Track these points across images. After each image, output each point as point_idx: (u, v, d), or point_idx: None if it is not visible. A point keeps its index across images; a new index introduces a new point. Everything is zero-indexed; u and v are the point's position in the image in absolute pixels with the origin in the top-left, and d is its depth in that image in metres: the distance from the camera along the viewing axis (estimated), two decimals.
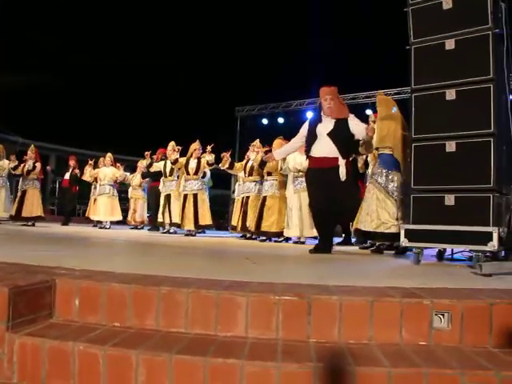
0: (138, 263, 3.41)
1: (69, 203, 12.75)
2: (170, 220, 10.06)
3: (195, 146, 9.62)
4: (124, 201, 13.31)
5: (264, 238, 8.22)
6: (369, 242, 6.32)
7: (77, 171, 12.24)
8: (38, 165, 11.01)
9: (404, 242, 4.12)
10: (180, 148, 10.04)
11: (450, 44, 4.03)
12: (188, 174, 9.53)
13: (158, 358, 1.67)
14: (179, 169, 9.85)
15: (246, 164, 9.01)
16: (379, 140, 5.36)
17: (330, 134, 5.09)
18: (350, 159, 5.33)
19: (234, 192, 12.25)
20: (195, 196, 9.42)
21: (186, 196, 9.48)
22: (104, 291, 2.04)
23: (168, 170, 10.26)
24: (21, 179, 11.17)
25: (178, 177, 10.06)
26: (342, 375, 1.62)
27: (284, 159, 7.50)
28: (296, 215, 7.43)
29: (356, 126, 5.16)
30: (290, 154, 6.99)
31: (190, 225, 9.35)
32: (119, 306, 2.02)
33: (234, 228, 9.56)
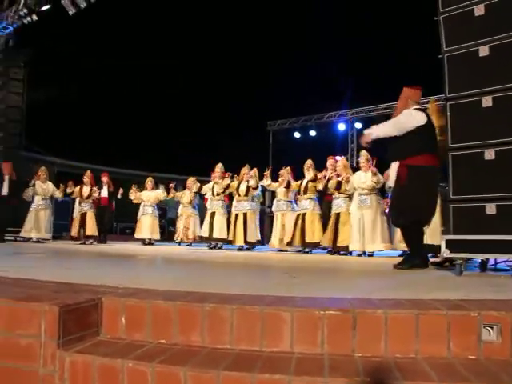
0: (179, 279, 3.44)
1: (108, 221, 13.06)
2: (213, 236, 10.86)
3: (245, 170, 10.54)
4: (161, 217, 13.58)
5: (344, 252, 8.59)
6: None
7: (111, 189, 12.48)
8: (95, 189, 11.85)
9: (445, 252, 4.06)
10: (230, 174, 10.89)
11: (483, 50, 3.98)
12: (239, 195, 10.49)
13: (206, 375, 1.69)
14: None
15: (301, 183, 9.53)
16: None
17: None
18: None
19: (269, 208, 12.45)
20: (245, 215, 10.35)
21: (236, 215, 10.47)
22: (149, 309, 2.07)
23: (216, 190, 11.08)
24: (77, 202, 11.93)
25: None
26: None
27: (347, 180, 8.28)
28: (358, 231, 7.99)
29: None
30: (356, 174, 8.03)
31: (240, 241, 10.29)
32: (165, 323, 2.05)
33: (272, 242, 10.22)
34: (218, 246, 11.09)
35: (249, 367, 1.72)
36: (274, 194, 11.24)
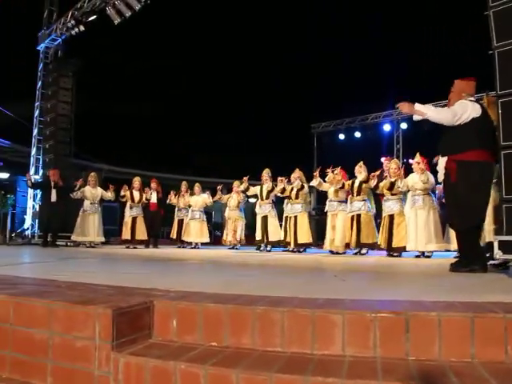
0: (229, 283, 3.46)
1: (158, 227, 13.31)
2: (267, 239, 11.15)
3: (296, 175, 10.67)
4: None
5: (396, 253, 8.65)
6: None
7: (160, 195, 12.73)
8: (149, 191, 12.45)
9: (498, 254, 3.95)
10: (284, 178, 11.04)
11: None
12: (290, 198, 10.75)
13: (258, 377, 1.69)
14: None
15: (353, 183, 9.56)
16: None
17: None
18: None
19: (314, 210, 12.50)
20: (295, 217, 10.59)
21: (289, 218, 10.77)
22: (200, 311, 2.09)
23: (264, 194, 11.30)
24: (128, 206, 12.29)
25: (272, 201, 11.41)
26: None
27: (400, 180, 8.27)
28: (413, 231, 8.12)
29: None
30: (409, 176, 8.14)
31: (292, 243, 10.59)
32: (216, 326, 2.06)
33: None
34: (267, 248, 11.25)
35: (301, 370, 1.71)
36: (319, 196, 11.34)
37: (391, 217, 8.66)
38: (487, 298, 2.33)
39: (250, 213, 13.04)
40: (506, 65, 4.03)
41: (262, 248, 11.33)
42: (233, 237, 12.35)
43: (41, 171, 15.10)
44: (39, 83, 15.69)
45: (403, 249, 8.45)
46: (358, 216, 9.37)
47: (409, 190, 8.36)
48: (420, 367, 1.74)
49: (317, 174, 10.07)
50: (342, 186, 9.66)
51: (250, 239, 12.55)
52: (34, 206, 15.29)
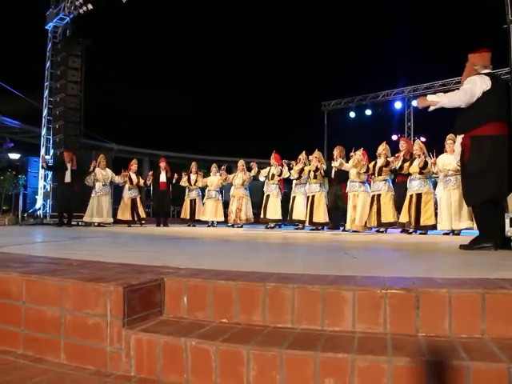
0: (239, 260, 3.47)
1: (167, 205, 13.43)
2: (265, 217, 11.86)
3: (315, 155, 10.95)
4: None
5: (423, 231, 8.93)
6: None
7: (169, 174, 12.82)
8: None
9: (509, 231, 3.93)
10: (286, 161, 11.80)
11: None
12: (309, 178, 11.09)
13: (269, 353, 1.70)
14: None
15: (375, 164, 9.76)
16: None
17: None
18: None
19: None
20: (313, 197, 10.94)
21: (308, 197, 11.09)
22: (211, 288, 2.10)
23: (270, 175, 11.92)
24: (127, 188, 12.59)
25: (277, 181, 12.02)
26: (456, 370, 1.56)
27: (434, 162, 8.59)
28: (446, 211, 8.40)
29: None
30: (440, 156, 8.41)
31: (307, 222, 10.98)
32: (226, 303, 2.07)
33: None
34: (273, 226, 11.83)
35: (311, 346, 1.72)
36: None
37: (419, 196, 8.85)
38: (498, 275, 2.32)
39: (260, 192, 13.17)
40: None
41: (269, 226, 11.87)
42: (237, 215, 12.46)
43: (51, 151, 15.15)
44: (48, 63, 15.66)
45: (431, 227, 8.71)
46: (379, 196, 9.59)
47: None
48: (430, 343, 1.74)
49: (337, 155, 10.34)
50: (367, 170, 9.82)
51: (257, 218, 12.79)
52: (45, 186, 15.39)
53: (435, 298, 1.88)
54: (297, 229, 11.32)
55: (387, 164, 9.42)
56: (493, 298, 1.85)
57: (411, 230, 9.11)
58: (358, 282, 2.08)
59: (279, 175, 11.70)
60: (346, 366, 1.62)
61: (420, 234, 8.85)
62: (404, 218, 9.03)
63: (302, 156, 11.36)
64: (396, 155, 9.38)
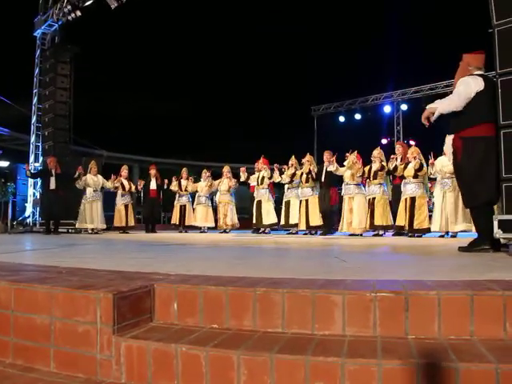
0: (230, 265, 3.46)
1: (158, 212, 13.44)
2: (261, 222, 11.80)
3: (307, 159, 11.11)
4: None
5: (419, 234, 9.04)
6: None
7: (159, 181, 12.83)
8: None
9: (498, 233, 3.95)
10: (277, 165, 11.79)
11: None
12: (301, 182, 11.18)
13: (259, 358, 1.70)
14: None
15: (370, 168, 9.87)
16: None
17: None
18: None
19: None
20: (307, 201, 11.00)
21: (301, 201, 11.15)
22: (201, 294, 2.10)
23: (260, 180, 11.95)
24: (119, 194, 12.63)
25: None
26: (446, 372, 1.57)
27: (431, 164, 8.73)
28: (439, 212, 8.59)
29: None
30: (438, 159, 8.47)
31: (303, 226, 11.05)
32: (216, 308, 2.07)
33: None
34: (266, 231, 11.75)
35: (302, 350, 1.72)
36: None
37: (412, 199, 8.97)
38: (487, 276, 2.34)
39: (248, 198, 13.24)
40: (505, 43, 3.99)
41: (260, 231, 11.82)
42: (223, 221, 12.49)
43: (40, 158, 15.08)
44: (36, 70, 15.61)
45: (425, 230, 8.88)
46: (374, 199, 9.70)
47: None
48: (420, 345, 1.75)
49: (333, 159, 10.37)
50: (362, 174, 9.93)
51: (244, 224, 12.91)
52: (34, 194, 15.31)
53: (424, 300, 1.89)
54: (290, 233, 11.41)
55: (382, 168, 9.54)
56: (481, 299, 1.86)
57: (409, 234, 9.21)
58: (347, 285, 2.09)
59: (269, 178, 11.67)
60: (336, 370, 1.62)
61: (416, 236, 8.93)
62: (400, 221, 9.15)
63: (293, 160, 11.42)
64: (392, 157, 9.53)
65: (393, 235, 9.58)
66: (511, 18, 3.93)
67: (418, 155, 9.00)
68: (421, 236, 8.93)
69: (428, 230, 8.85)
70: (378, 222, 9.51)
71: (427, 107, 4.56)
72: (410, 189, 9.04)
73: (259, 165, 11.90)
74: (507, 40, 3.96)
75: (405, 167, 9.10)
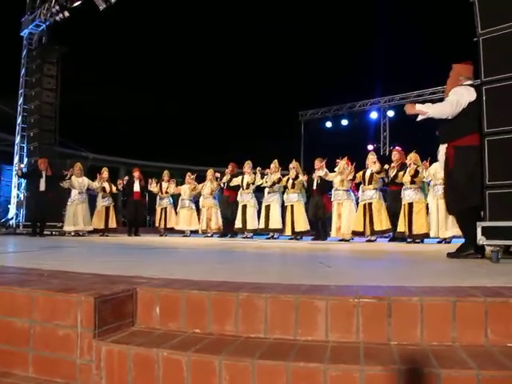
0: (213, 270, 3.45)
1: (141, 215, 13.34)
2: (245, 227, 11.69)
3: (293, 165, 11.18)
4: None
5: (418, 240, 9.03)
6: None
7: (142, 184, 12.78)
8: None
9: (481, 240, 3.97)
10: (260, 169, 11.66)
11: None
12: (287, 188, 11.24)
13: (241, 363, 1.69)
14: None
15: (364, 173, 9.88)
16: None
17: None
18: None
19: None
20: (292, 207, 11.05)
21: (286, 207, 11.19)
22: (183, 299, 2.08)
23: (245, 183, 11.79)
24: (100, 196, 12.51)
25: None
26: (427, 378, 1.57)
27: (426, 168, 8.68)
28: (435, 218, 8.60)
29: None
30: (432, 165, 8.43)
31: (288, 231, 11.07)
32: (199, 313, 2.05)
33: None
34: (249, 236, 11.75)
35: (284, 356, 1.71)
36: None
37: (410, 205, 9.01)
38: (470, 283, 2.34)
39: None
40: (490, 52, 4.03)
41: (245, 236, 11.81)
42: (207, 225, 12.48)
43: (25, 160, 14.93)
44: (23, 70, 15.47)
45: (424, 235, 8.89)
46: (370, 204, 9.68)
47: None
48: (402, 351, 1.75)
49: (323, 164, 10.41)
50: (354, 178, 9.96)
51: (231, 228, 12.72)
52: (18, 195, 15.15)
53: (407, 306, 1.89)
54: (269, 238, 11.42)
55: (380, 171, 9.56)
56: (463, 305, 1.87)
57: (409, 240, 9.24)
58: (331, 291, 2.08)
59: (253, 183, 11.65)
60: (318, 376, 1.62)
61: (417, 242, 8.97)
62: (401, 227, 9.17)
63: (275, 164, 11.41)
64: (392, 165, 9.54)
65: (393, 241, 9.64)
66: (496, 27, 3.96)
67: (416, 161, 9.03)
68: (421, 241, 8.98)
69: (427, 235, 8.88)
70: (377, 227, 9.51)
71: (416, 106, 4.58)
72: (407, 195, 9.10)
73: (245, 169, 11.86)
74: (492, 49, 4.00)
75: (404, 174, 9.15)
